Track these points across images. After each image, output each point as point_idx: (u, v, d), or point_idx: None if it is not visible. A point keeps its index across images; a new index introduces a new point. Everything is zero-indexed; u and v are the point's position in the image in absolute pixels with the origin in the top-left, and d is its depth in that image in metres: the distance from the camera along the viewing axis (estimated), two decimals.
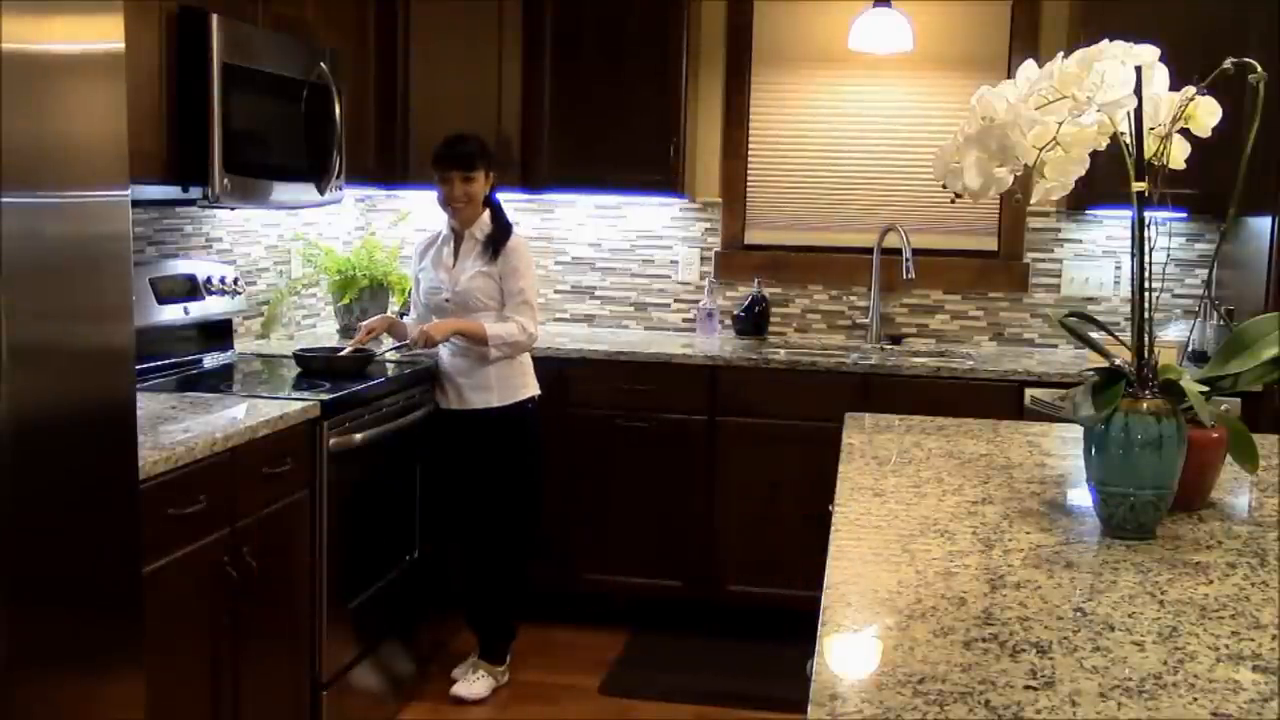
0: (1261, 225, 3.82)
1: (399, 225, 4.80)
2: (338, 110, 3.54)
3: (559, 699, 3.76)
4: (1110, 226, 4.47)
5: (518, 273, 3.57)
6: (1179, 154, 1.83)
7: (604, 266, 4.81)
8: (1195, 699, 1.25)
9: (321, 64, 3.49)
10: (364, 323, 3.66)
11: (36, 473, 1.89)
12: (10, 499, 1.83)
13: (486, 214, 3.63)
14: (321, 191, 3.57)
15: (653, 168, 4.37)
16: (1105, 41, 1.75)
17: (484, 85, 4.35)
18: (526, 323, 3.58)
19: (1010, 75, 1.85)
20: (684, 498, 4.13)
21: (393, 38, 4.24)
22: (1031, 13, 4.44)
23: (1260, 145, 1.85)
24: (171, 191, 3.03)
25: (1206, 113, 1.80)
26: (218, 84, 3.00)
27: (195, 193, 3.05)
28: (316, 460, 3.03)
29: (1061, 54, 1.76)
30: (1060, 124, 1.75)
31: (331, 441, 3.07)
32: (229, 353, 3.70)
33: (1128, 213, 1.81)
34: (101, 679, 2.11)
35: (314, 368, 3.48)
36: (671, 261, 4.76)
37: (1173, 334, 4.19)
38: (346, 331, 4.34)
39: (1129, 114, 1.76)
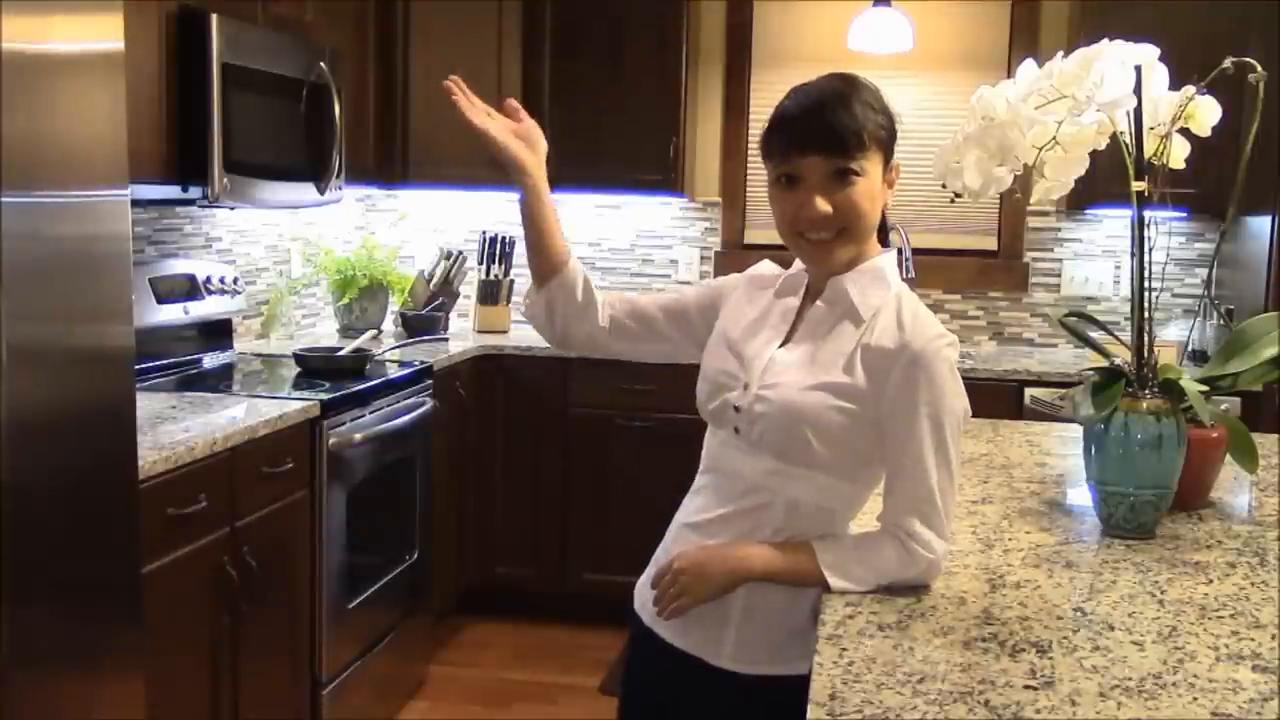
0: (1261, 225, 3.81)
1: (399, 225, 4.80)
2: (337, 110, 3.54)
3: (559, 699, 3.76)
4: (1110, 226, 4.47)
5: (932, 414, 1.57)
6: (1179, 154, 1.83)
7: (604, 266, 4.80)
8: (1195, 699, 1.25)
9: (321, 64, 3.49)
10: None
11: (36, 473, 1.89)
12: (10, 499, 1.82)
13: (878, 261, 1.69)
14: (321, 191, 3.57)
15: (652, 167, 4.37)
16: (1105, 41, 1.75)
17: (484, 85, 4.26)
18: (929, 535, 1.57)
19: (1010, 75, 1.85)
20: (684, 498, 4.12)
21: (393, 38, 4.23)
22: (1031, 13, 4.44)
23: (1260, 145, 1.85)
24: (171, 191, 3.03)
25: (1206, 112, 1.80)
26: (217, 84, 2.99)
27: (195, 193, 3.05)
28: (316, 460, 3.03)
29: (1061, 54, 1.76)
30: (1060, 124, 1.75)
31: (331, 441, 3.06)
32: (229, 352, 3.69)
33: (1128, 212, 1.81)
34: (101, 679, 2.10)
35: (314, 367, 3.47)
36: (671, 261, 4.76)
37: (1173, 334, 4.19)
38: (346, 331, 4.35)
39: (1129, 114, 1.76)
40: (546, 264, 1.83)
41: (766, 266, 1.83)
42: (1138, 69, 1.73)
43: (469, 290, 4.64)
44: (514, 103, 1.82)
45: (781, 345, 1.69)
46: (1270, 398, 3.52)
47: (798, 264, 1.75)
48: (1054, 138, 1.76)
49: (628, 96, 4.37)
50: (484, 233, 4.61)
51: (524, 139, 1.78)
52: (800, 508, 1.64)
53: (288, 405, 2.93)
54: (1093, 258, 4.52)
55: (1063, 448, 2.55)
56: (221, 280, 3.62)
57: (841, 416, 1.59)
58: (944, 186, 1.83)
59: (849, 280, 1.65)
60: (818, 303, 1.68)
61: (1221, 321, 3.89)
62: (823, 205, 1.60)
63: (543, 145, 1.80)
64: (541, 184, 1.79)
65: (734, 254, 4.68)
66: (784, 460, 1.63)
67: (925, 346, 1.57)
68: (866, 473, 1.65)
